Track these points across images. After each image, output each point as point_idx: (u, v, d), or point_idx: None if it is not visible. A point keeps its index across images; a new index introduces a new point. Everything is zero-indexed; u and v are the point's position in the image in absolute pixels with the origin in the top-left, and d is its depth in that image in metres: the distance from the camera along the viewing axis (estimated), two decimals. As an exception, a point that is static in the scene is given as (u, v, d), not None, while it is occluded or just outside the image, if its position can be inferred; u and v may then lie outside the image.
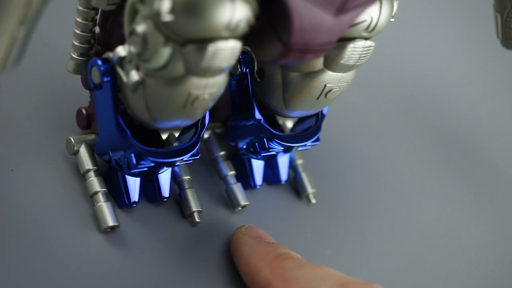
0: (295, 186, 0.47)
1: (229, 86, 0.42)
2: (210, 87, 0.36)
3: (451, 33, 0.63)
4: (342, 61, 0.39)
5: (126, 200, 0.41)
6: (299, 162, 0.46)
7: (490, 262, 0.52)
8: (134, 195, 0.41)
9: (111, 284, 0.40)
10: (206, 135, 0.44)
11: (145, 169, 0.40)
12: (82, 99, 0.42)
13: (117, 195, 0.41)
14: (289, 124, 0.44)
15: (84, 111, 0.41)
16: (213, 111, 0.45)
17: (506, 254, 0.53)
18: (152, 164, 0.39)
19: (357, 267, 0.46)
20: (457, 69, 0.62)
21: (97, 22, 0.39)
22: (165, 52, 0.35)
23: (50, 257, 0.39)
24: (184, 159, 0.40)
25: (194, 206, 0.42)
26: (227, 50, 0.35)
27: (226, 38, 0.35)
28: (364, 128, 0.53)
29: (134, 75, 0.36)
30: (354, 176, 0.50)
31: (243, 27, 0.35)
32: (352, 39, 0.38)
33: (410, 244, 0.49)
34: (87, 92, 0.41)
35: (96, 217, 0.40)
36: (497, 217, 0.54)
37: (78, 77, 0.41)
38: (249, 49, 0.41)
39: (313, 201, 0.47)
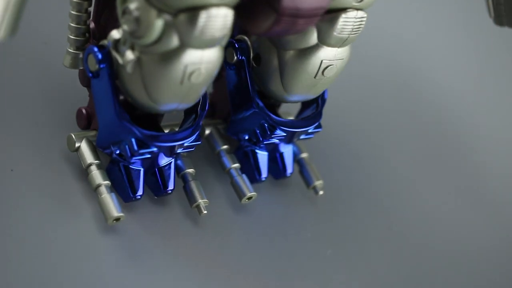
0: (301, 180, 0.46)
1: (227, 76, 0.42)
2: (206, 61, 0.37)
3: (452, 31, 0.64)
4: (335, 33, 0.39)
5: (131, 193, 0.40)
6: (303, 155, 0.46)
7: (489, 263, 0.51)
8: (139, 187, 0.40)
9: (113, 282, 0.38)
10: (207, 131, 0.44)
11: (148, 155, 0.39)
12: (82, 99, 0.42)
13: (121, 189, 0.40)
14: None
15: (84, 110, 0.41)
16: (213, 108, 0.45)
17: (505, 255, 0.52)
18: (154, 149, 0.39)
19: (357, 267, 0.45)
20: (459, 66, 0.62)
21: (91, 16, 0.40)
22: (158, 24, 0.35)
23: (50, 256, 0.38)
24: (185, 144, 0.39)
25: (200, 197, 0.41)
26: (220, 18, 0.35)
27: (217, 5, 0.35)
28: (366, 126, 0.53)
29: (129, 55, 0.37)
30: (355, 176, 0.50)
31: (234, -8, 0.35)
32: (344, 9, 0.39)
33: (411, 244, 0.48)
34: (87, 92, 0.41)
35: (101, 210, 0.39)
36: (498, 217, 0.53)
37: (78, 77, 0.41)
38: (245, 37, 0.41)
39: (321, 192, 0.46)
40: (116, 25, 0.38)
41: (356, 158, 0.51)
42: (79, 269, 0.38)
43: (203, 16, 0.35)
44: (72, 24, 0.39)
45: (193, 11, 0.35)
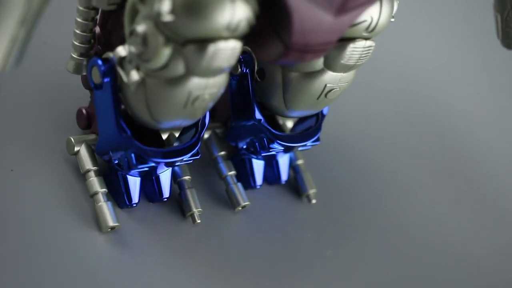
0: (295, 186, 0.47)
1: (229, 86, 0.42)
2: (211, 87, 0.36)
3: (452, 34, 0.63)
4: (342, 61, 0.39)
5: (127, 200, 0.41)
6: (299, 162, 0.46)
7: (490, 264, 0.52)
8: (135, 195, 0.41)
9: (111, 284, 0.39)
10: (206, 135, 0.44)
11: (146, 169, 0.40)
12: (82, 99, 0.42)
13: (118, 195, 0.41)
14: (289, 124, 0.44)
15: (84, 111, 0.41)
16: (213, 111, 0.45)
17: (506, 256, 0.53)
18: (153, 164, 0.39)
19: (357, 267, 0.46)
20: (458, 69, 0.62)
21: (98, 22, 0.39)
22: (166, 52, 0.35)
23: (49, 257, 0.39)
24: (184, 159, 0.40)
25: (194, 206, 0.42)
26: (228, 50, 0.35)
27: (226, 38, 0.35)
28: (364, 128, 0.53)
29: (135, 75, 0.36)
30: (354, 176, 0.50)
31: (243, 27, 0.35)
32: (352, 39, 0.38)
33: (411, 245, 0.49)
34: (87, 92, 0.41)
35: (97, 217, 0.40)
36: (499, 219, 0.54)
37: (78, 77, 0.41)
38: (249, 49, 0.41)
39: (313, 201, 0.47)
40: (122, 32, 0.37)
41: (356, 159, 0.51)
42: (79, 269, 0.39)
43: (211, 49, 0.34)
44: (77, 31, 0.39)
45: (202, 43, 0.35)
